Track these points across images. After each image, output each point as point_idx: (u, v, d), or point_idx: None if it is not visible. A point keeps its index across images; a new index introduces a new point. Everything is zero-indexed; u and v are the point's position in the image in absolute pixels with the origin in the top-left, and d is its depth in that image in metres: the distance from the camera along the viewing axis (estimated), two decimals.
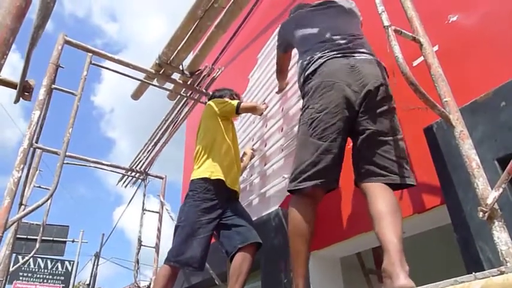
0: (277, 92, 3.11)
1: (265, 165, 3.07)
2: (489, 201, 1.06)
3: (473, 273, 0.93)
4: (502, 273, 0.87)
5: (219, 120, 2.66)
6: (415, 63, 2.05)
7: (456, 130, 1.24)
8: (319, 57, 1.83)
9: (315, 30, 1.99)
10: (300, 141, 1.82)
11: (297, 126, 2.74)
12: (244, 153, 3.28)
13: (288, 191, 1.77)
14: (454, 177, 1.43)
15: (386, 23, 1.48)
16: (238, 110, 2.68)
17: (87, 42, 2.98)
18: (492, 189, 1.07)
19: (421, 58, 1.66)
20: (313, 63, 1.85)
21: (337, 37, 1.89)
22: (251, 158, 3.28)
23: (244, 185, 3.26)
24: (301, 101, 2.75)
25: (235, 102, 2.70)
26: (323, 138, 1.67)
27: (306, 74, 1.87)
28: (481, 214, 1.07)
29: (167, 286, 2.25)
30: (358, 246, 2.41)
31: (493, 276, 0.89)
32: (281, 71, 2.87)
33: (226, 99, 2.86)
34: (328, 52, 1.82)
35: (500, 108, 1.34)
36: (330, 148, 1.66)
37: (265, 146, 3.17)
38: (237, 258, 2.23)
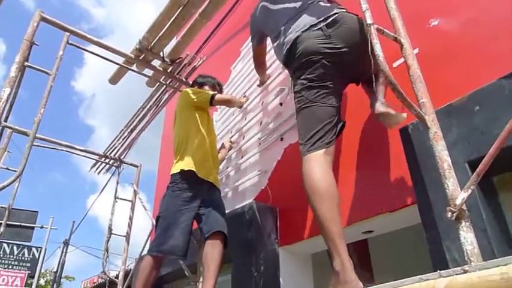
0: (258, 85, 3.10)
1: (242, 157, 3.06)
2: (458, 201, 1.08)
3: (439, 271, 0.94)
4: (465, 272, 0.89)
5: (194, 110, 2.64)
6: (395, 65, 2.07)
7: (431, 131, 1.26)
8: (291, 33, 1.82)
9: (284, 12, 1.98)
10: (304, 107, 1.74)
11: (274, 122, 2.75)
12: (223, 145, 3.26)
13: (302, 155, 1.68)
14: (426, 178, 1.45)
15: (369, 21, 1.48)
16: (212, 102, 2.65)
17: (73, 26, 2.86)
18: (461, 190, 1.09)
19: (401, 60, 1.67)
20: (287, 40, 1.84)
21: (305, 12, 1.87)
22: (229, 150, 3.27)
23: (220, 177, 3.24)
24: (280, 96, 2.76)
25: (210, 94, 2.67)
26: (327, 99, 1.69)
27: (285, 52, 1.85)
28: (449, 214, 1.09)
29: (150, 276, 2.24)
30: None
31: (457, 274, 0.91)
32: (259, 64, 2.85)
33: (207, 87, 2.84)
34: (296, 31, 1.81)
35: (474, 112, 1.37)
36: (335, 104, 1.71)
37: (243, 138, 3.16)
38: (206, 248, 2.25)
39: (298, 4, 1.94)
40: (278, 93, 2.77)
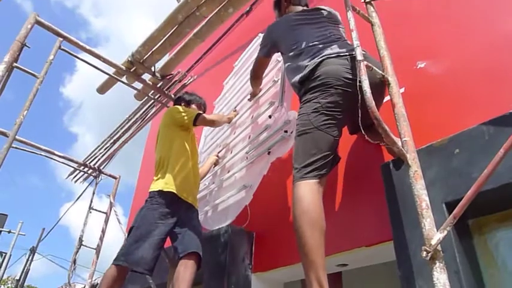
0: (249, 99, 3.04)
1: (228, 172, 2.97)
2: (433, 242, 1.09)
3: None
4: None
5: (178, 129, 2.60)
6: None
7: (411, 170, 1.28)
8: (317, 57, 1.82)
9: (306, 36, 1.99)
10: (308, 132, 1.72)
11: (262, 135, 2.68)
12: (207, 160, 3.18)
13: (294, 181, 1.65)
14: (404, 215, 1.47)
15: (359, 58, 1.52)
16: (196, 122, 2.60)
17: (71, 34, 2.87)
18: (437, 230, 1.11)
19: (388, 97, 1.71)
20: (311, 62, 1.83)
21: (328, 44, 1.89)
22: (215, 165, 3.18)
23: (205, 193, 3.16)
24: (271, 109, 2.68)
25: (194, 113, 2.62)
26: (332, 131, 1.69)
27: (306, 72, 1.83)
28: (424, 253, 1.10)
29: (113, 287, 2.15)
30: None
31: None
32: (257, 77, 2.78)
33: (194, 106, 2.82)
34: (323, 55, 1.82)
35: (454, 155, 1.40)
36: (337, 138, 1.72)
37: (231, 153, 3.08)
38: (179, 267, 2.20)
39: (327, 34, 1.98)
40: (268, 106, 2.70)
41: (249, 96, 3.07)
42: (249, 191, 2.60)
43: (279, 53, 2.35)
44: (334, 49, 1.83)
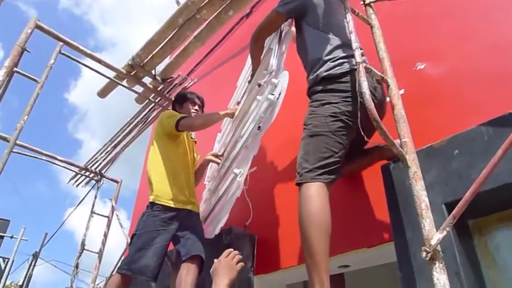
0: (249, 81, 2.70)
1: (226, 168, 2.74)
2: (433, 242, 1.09)
3: None
4: None
5: (167, 139, 2.55)
6: None
7: (411, 170, 1.29)
8: (350, 63, 1.77)
9: (338, 22, 1.92)
10: (322, 134, 1.69)
11: (252, 110, 2.39)
12: (203, 162, 3.00)
13: (303, 181, 1.61)
14: (404, 216, 1.47)
15: (358, 59, 1.53)
16: (178, 128, 2.47)
17: (78, 41, 2.85)
18: (437, 231, 1.11)
19: (387, 99, 1.72)
20: (340, 64, 1.79)
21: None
22: (218, 164, 2.97)
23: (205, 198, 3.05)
24: (275, 93, 2.20)
25: (175, 120, 2.48)
26: (345, 139, 1.68)
27: (330, 73, 1.78)
28: (424, 254, 1.10)
29: None
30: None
31: None
32: (258, 41, 2.41)
33: (188, 105, 2.75)
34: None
35: (453, 156, 1.40)
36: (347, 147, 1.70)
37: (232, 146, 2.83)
38: (181, 270, 2.21)
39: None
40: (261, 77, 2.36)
41: (249, 79, 2.68)
42: (239, 179, 2.31)
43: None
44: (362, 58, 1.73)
